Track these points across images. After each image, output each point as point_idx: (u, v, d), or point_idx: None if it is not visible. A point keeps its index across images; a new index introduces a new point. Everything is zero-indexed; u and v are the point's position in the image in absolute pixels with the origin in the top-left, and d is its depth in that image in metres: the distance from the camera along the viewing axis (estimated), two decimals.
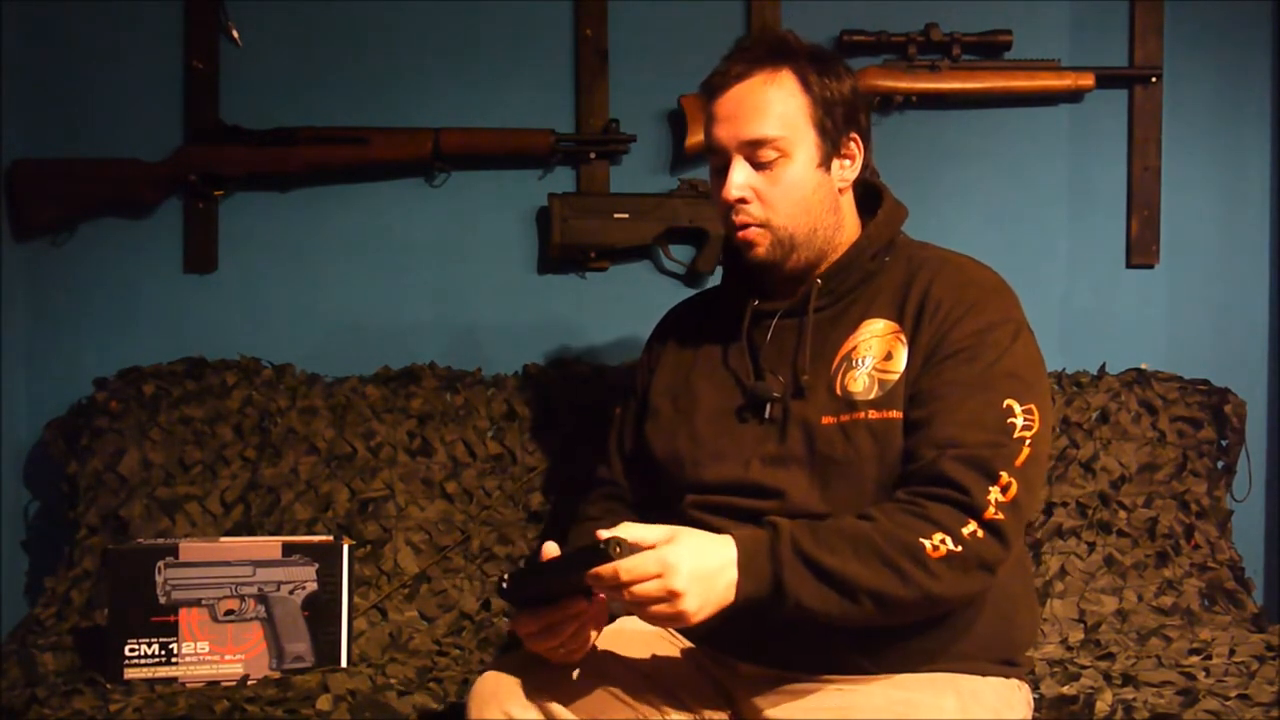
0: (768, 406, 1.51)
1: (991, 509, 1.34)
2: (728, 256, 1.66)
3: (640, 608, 1.30)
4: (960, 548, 1.33)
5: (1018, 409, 1.40)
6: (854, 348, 1.50)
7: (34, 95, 2.39)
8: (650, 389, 1.67)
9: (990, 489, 1.35)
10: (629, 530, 1.31)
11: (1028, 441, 1.39)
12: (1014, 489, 1.36)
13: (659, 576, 1.28)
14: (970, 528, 1.34)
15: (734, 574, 1.32)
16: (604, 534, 1.29)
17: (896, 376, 1.46)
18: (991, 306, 1.48)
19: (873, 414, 1.45)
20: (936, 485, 1.37)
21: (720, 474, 1.52)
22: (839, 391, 1.48)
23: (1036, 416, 1.40)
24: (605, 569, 1.27)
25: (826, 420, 1.47)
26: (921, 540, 1.33)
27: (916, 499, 1.37)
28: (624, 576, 1.27)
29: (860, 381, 1.48)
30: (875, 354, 1.48)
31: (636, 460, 1.68)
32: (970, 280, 1.51)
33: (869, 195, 1.60)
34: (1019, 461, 1.37)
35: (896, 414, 1.45)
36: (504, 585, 1.42)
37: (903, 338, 1.48)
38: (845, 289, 1.54)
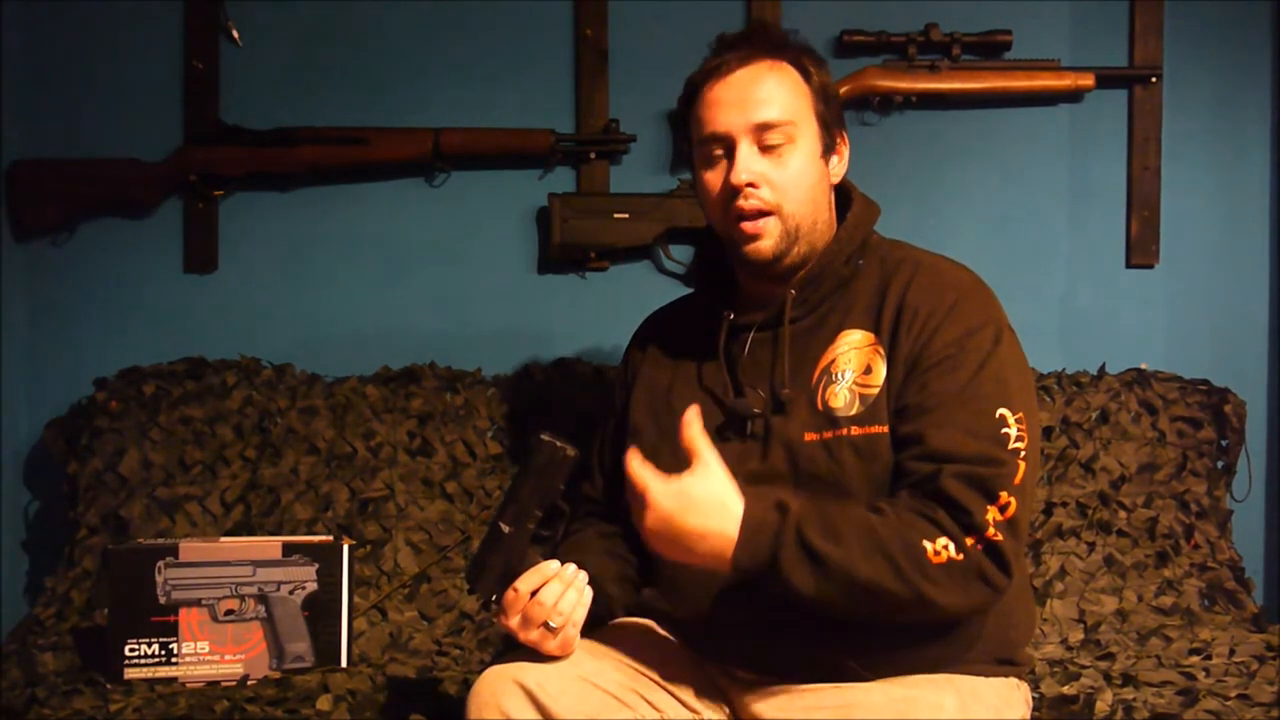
0: (748, 424, 1.50)
1: (991, 529, 1.34)
2: (702, 264, 1.64)
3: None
4: (962, 556, 1.33)
5: (1010, 419, 1.38)
6: (832, 360, 1.48)
7: (34, 95, 2.39)
8: (630, 406, 1.64)
9: (989, 509, 1.34)
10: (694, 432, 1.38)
11: (1022, 455, 1.38)
12: (1012, 507, 1.35)
13: (644, 496, 1.36)
14: (971, 542, 1.33)
15: (721, 546, 1.34)
16: (545, 435, 1.43)
17: (877, 390, 1.44)
18: (970, 310, 1.45)
19: (855, 430, 1.44)
20: (939, 501, 1.35)
21: None
22: (820, 407, 1.46)
23: (1027, 426, 1.39)
24: (632, 463, 1.38)
25: (809, 437, 1.46)
26: (925, 542, 1.32)
27: (926, 502, 1.36)
28: (635, 474, 1.37)
29: (841, 397, 1.46)
30: (854, 367, 1.46)
31: (619, 477, 1.66)
32: (946, 283, 1.48)
33: (838, 195, 1.57)
34: (1017, 479, 1.36)
35: (880, 429, 1.43)
36: (470, 583, 1.46)
37: (880, 350, 1.46)
38: (820, 298, 1.51)
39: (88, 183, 2.34)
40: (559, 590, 1.41)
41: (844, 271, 1.51)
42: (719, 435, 1.50)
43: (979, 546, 1.33)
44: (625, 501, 1.61)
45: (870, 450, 1.43)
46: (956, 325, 1.43)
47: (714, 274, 1.62)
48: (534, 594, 1.41)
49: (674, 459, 1.52)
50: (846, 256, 1.52)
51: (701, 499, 1.35)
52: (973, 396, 1.40)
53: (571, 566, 1.44)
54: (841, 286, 1.52)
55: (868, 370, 1.46)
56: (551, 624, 1.41)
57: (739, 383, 1.52)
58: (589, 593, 1.44)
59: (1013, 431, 1.38)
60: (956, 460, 1.36)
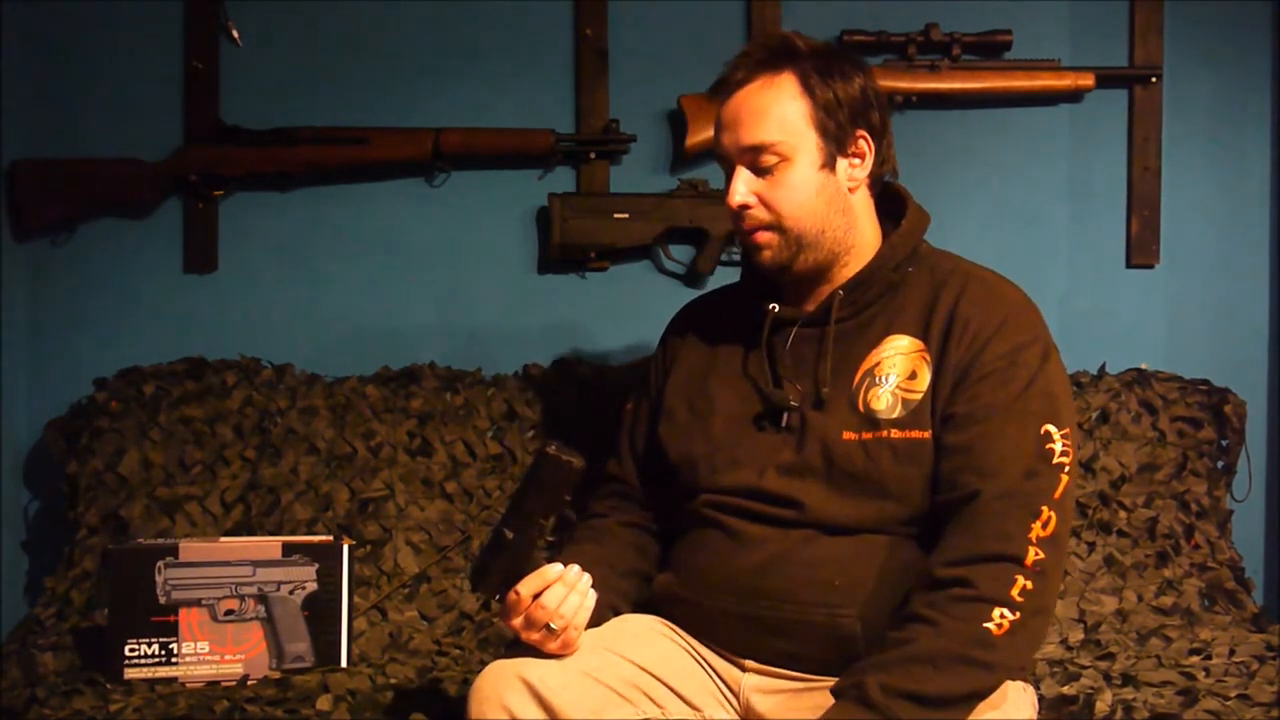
0: (785, 415, 1.51)
1: (1033, 552, 1.34)
2: (746, 258, 1.65)
3: None
4: (1018, 614, 1.33)
5: (1055, 434, 1.40)
6: (877, 364, 1.50)
7: (34, 95, 2.39)
8: (665, 389, 1.65)
9: (1032, 526, 1.35)
10: None
11: (1065, 469, 1.39)
12: (1053, 523, 1.36)
13: None
14: (1019, 585, 1.34)
15: None
16: (550, 449, 1.38)
17: (920, 396, 1.46)
18: (1020, 325, 1.48)
19: (895, 433, 1.45)
20: (979, 537, 1.36)
21: (735, 480, 1.52)
22: (861, 408, 1.48)
23: (1072, 442, 1.41)
24: None
25: (847, 435, 1.47)
26: (985, 625, 1.32)
27: (962, 574, 1.35)
28: None
29: (884, 400, 1.47)
30: (899, 372, 1.48)
31: (648, 459, 1.67)
32: (996, 298, 1.50)
33: (891, 200, 1.59)
34: (1058, 494, 1.38)
35: (920, 434, 1.45)
36: (473, 584, 1.46)
37: (927, 357, 1.48)
38: (867, 301, 1.53)
39: (88, 183, 2.34)
40: (561, 594, 1.42)
41: (893, 277, 1.53)
42: (755, 424, 1.53)
43: (1027, 585, 1.34)
44: (652, 482, 1.64)
45: (909, 454, 1.44)
46: (1007, 340, 1.46)
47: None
48: (536, 597, 1.41)
49: (707, 444, 1.55)
50: (896, 263, 1.53)
51: None
52: (1022, 411, 1.42)
53: (575, 568, 1.44)
54: (889, 292, 1.53)
55: (912, 376, 1.47)
56: (553, 626, 1.41)
57: (778, 375, 1.54)
58: (592, 595, 1.45)
59: (1057, 447, 1.40)
60: (1001, 475, 1.38)
